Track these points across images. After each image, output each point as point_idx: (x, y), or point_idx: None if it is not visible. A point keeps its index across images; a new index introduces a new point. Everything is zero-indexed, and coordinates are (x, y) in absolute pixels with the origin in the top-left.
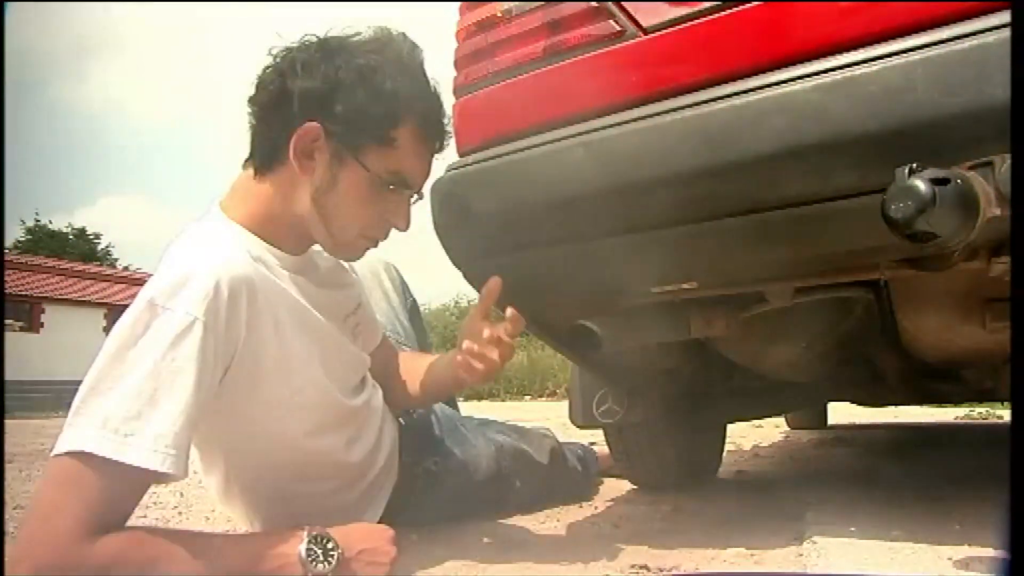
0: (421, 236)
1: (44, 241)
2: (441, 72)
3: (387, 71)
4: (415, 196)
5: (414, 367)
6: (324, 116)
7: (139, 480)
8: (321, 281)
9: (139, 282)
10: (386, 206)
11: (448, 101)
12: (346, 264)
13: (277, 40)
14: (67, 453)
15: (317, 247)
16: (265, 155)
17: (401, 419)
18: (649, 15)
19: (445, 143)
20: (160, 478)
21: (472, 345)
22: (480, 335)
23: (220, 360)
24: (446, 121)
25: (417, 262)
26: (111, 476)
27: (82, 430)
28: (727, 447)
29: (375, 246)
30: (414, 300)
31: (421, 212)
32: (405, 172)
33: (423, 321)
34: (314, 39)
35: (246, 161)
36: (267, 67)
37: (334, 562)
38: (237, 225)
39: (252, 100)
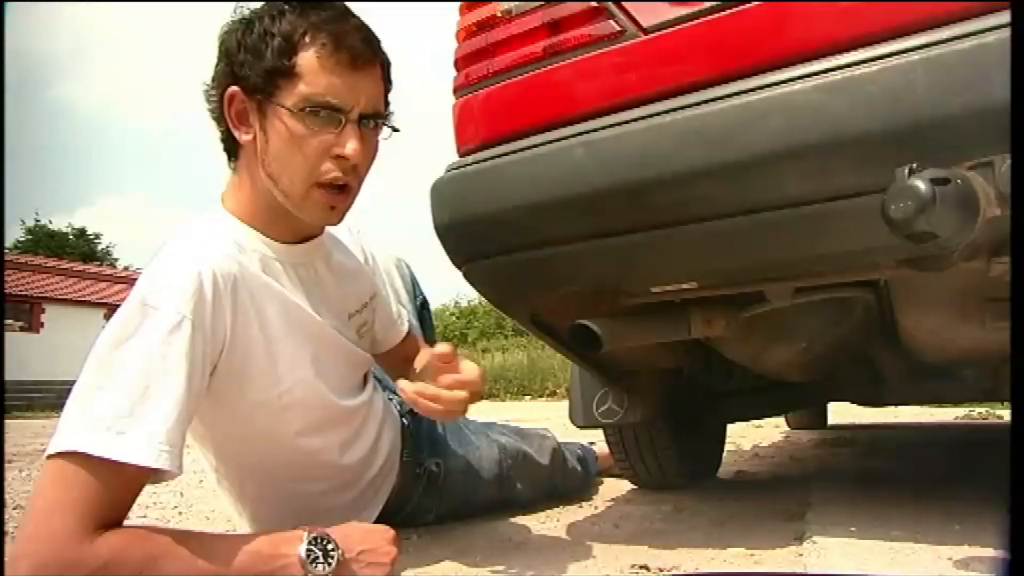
0: (421, 236)
1: (44, 241)
2: (441, 72)
3: (272, 13)
4: (385, 131)
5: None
6: (238, 78)
7: (135, 477)
8: (323, 276)
9: None
10: (325, 140)
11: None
12: (363, 257)
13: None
14: (61, 453)
15: (330, 237)
16: (225, 142)
17: (404, 419)
18: (649, 15)
19: (362, 53)
20: (155, 475)
21: (416, 389)
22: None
23: (208, 357)
24: (365, 33)
25: (417, 262)
26: (106, 474)
27: (76, 429)
28: (727, 447)
29: (343, 196)
30: (424, 298)
31: (422, 212)
32: (320, 93)
33: (432, 319)
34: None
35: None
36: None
37: (334, 563)
38: (232, 217)
39: (206, 100)
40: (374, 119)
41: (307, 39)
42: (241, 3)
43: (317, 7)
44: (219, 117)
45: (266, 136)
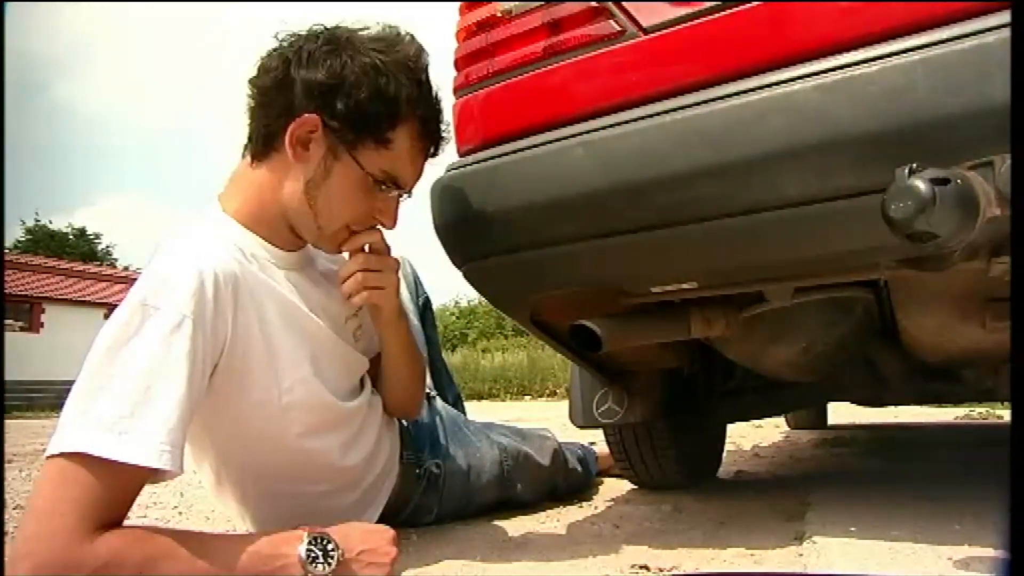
0: (421, 236)
1: (44, 241)
2: (441, 72)
3: (391, 71)
4: (405, 195)
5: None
6: (325, 109)
7: (135, 477)
8: (319, 280)
9: None
10: (375, 203)
11: (448, 104)
12: None
13: (282, 26)
14: (62, 453)
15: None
16: (261, 140)
17: (405, 420)
18: (649, 15)
19: (441, 148)
20: (156, 475)
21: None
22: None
23: (209, 357)
24: (443, 127)
25: (417, 262)
26: (107, 474)
27: (76, 429)
28: (727, 447)
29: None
30: (427, 297)
31: (421, 212)
32: (398, 173)
33: (435, 319)
34: (322, 29)
35: (245, 147)
36: (272, 51)
37: (334, 563)
38: (231, 219)
39: (253, 82)
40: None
41: (408, 117)
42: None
43: (415, 69)
44: (271, 116)
45: (327, 173)
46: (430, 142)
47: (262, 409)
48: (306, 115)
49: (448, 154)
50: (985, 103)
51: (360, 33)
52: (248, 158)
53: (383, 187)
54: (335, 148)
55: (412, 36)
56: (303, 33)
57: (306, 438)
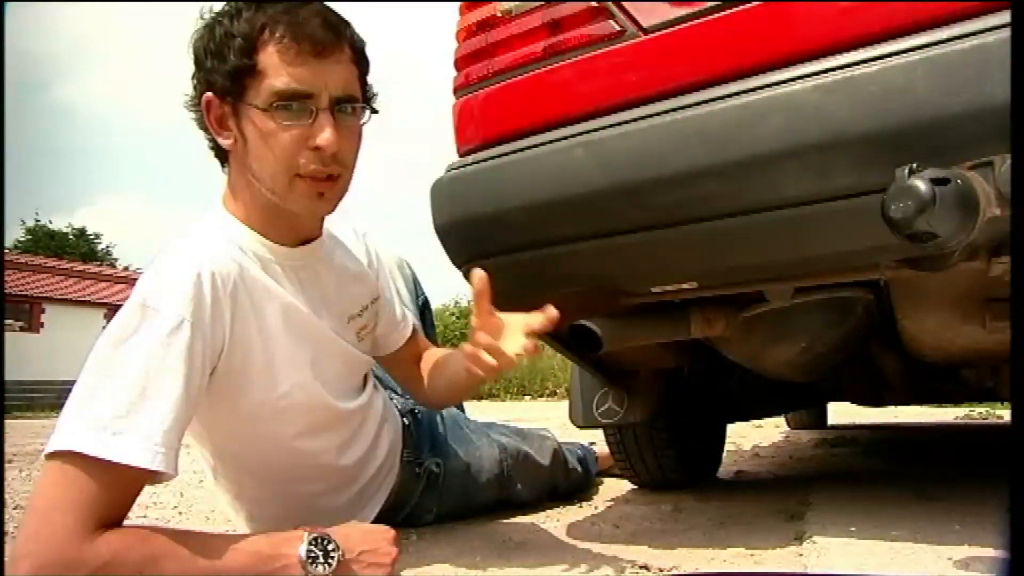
0: (421, 236)
1: (44, 241)
2: (441, 72)
3: (222, 17)
4: (365, 115)
5: (436, 362)
6: (210, 84)
7: (132, 478)
8: (323, 278)
9: None
10: (300, 133)
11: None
12: (367, 260)
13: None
14: (59, 453)
15: (332, 239)
16: (214, 149)
17: (405, 419)
18: (649, 15)
19: (323, 38)
20: (152, 476)
21: (482, 340)
22: (496, 328)
23: (208, 359)
24: (326, 19)
25: (417, 262)
26: (105, 475)
27: (74, 429)
28: (727, 447)
29: (330, 183)
30: (426, 298)
31: (421, 212)
32: (285, 85)
33: (434, 319)
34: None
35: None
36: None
37: (334, 563)
38: (232, 218)
39: (186, 107)
40: (350, 103)
41: (266, 34)
42: (205, 4)
43: (274, 3)
44: (203, 126)
45: (244, 137)
46: (305, 39)
47: (260, 410)
48: (204, 98)
49: (448, 154)
50: (985, 103)
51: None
52: (221, 168)
53: (291, 109)
54: (236, 109)
55: None
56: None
57: (303, 439)
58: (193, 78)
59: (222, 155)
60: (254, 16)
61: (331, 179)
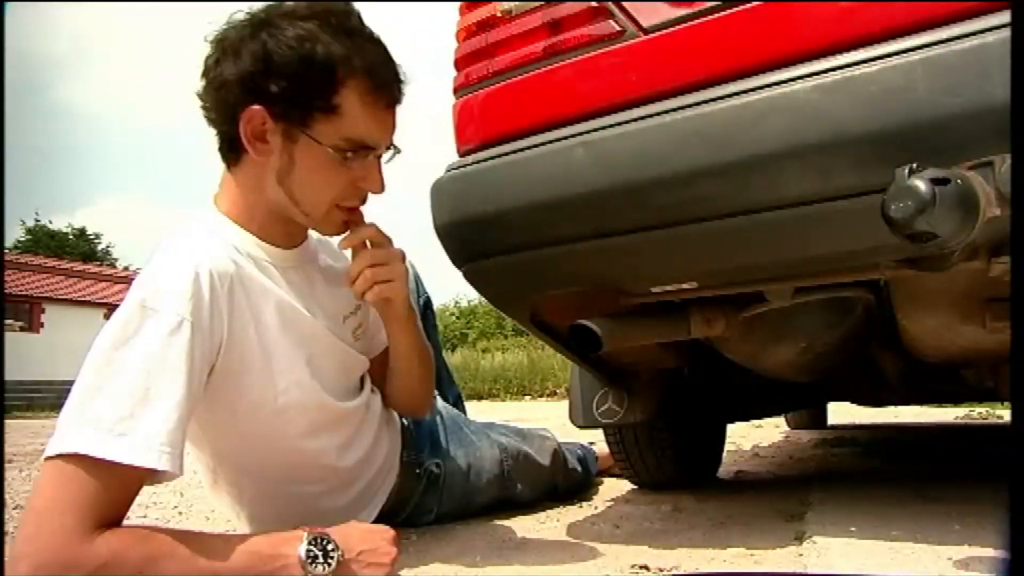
0: (421, 236)
1: (44, 241)
2: (440, 73)
3: (316, 35)
4: (390, 153)
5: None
6: (263, 97)
7: (134, 478)
8: (315, 279)
9: None
10: (354, 173)
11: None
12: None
13: (210, 27)
14: (61, 455)
15: (316, 240)
16: (226, 146)
17: (405, 420)
18: (649, 15)
19: (400, 92)
20: (156, 476)
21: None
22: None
23: (206, 359)
24: (397, 70)
25: (417, 262)
26: (106, 475)
27: (75, 430)
28: (727, 447)
29: (355, 213)
30: (428, 297)
31: (421, 212)
32: (360, 136)
33: (436, 318)
34: (241, 16)
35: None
36: (207, 56)
37: (334, 563)
38: (226, 219)
39: (198, 95)
40: (392, 148)
41: (349, 75)
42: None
43: (344, 25)
44: (221, 121)
45: (291, 160)
46: (385, 91)
47: (258, 410)
48: (250, 109)
49: (448, 154)
50: (985, 103)
51: (280, 9)
52: (225, 165)
53: (350, 155)
54: (289, 132)
55: None
56: (226, 26)
57: (303, 439)
58: (224, 74)
59: (235, 156)
60: (333, 43)
61: (356, 209)
